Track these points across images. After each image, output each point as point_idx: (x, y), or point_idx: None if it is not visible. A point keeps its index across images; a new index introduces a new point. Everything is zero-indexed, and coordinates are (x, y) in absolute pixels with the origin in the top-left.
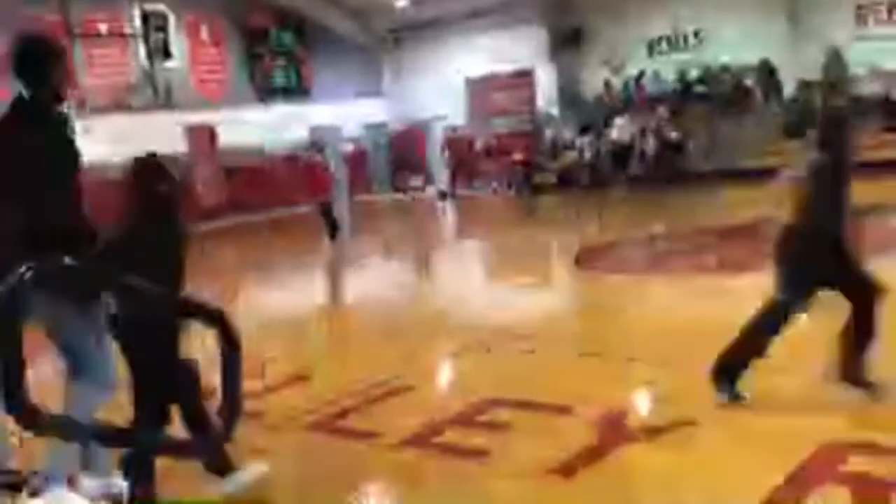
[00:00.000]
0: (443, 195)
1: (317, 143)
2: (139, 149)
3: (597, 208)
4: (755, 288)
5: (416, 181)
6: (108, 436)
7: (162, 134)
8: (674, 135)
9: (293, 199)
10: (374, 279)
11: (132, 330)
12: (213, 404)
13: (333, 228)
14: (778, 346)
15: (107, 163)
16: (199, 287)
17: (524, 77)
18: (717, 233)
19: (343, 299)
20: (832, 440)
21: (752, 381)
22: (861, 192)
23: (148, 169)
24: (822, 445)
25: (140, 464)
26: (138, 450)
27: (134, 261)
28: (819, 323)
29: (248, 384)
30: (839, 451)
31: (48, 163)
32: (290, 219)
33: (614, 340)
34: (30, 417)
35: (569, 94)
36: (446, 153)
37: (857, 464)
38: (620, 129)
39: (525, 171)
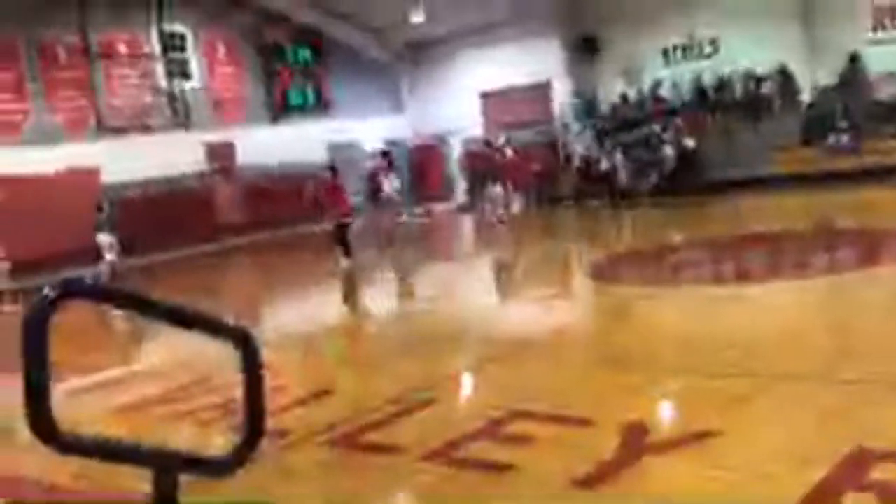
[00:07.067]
0: (461, 209)
1: (335, 159)
2: (159, 168)
3: (614, 219)
4: (774, 297)
5: (435, 195)
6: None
7: (181, 153)
8: (691, 143)
9: (311, 216)
10: (393, 294)
11: None
12: (236, 422)
13: (347, 246)
14: (801, 354)
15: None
16: (220, 304)
17: (541, 89)
18: (736, 242)
19: (362, 315)
20: (859, 448)
21: (777, 390)
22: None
23: None
24: (849, 453)
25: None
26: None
27: None
28: (840, 327)
29: (270, 401)
30: (866, 459)
31: None
32: (309, 236)
33: (636, 352)
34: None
35: (585, 105)
36: (465, 168)
37: (884, 471)
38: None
39: (543, 183)
